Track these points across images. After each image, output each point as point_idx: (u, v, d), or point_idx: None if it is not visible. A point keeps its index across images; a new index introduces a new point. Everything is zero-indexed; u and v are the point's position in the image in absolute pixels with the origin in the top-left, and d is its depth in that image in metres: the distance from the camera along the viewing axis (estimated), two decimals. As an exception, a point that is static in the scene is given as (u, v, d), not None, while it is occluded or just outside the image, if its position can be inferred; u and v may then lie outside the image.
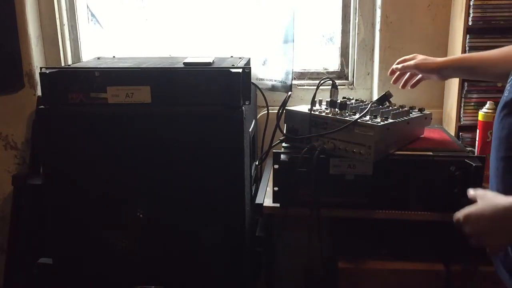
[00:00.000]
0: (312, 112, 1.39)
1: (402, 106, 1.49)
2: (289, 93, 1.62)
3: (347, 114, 1.37)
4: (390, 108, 1.47)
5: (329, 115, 1.36)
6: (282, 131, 1.46)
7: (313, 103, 1.43)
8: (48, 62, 1.97)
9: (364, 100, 1.57)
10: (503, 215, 0.93)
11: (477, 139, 1.49)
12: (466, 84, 1.63)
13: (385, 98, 1.47)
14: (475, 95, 1.63)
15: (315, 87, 1.46)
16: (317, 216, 1.36)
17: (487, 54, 1.33)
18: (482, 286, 1.42)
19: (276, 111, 1.49)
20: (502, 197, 0.97)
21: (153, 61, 1.54)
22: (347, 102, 1.42)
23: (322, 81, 1.49)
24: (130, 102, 1.34)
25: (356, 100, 1.58)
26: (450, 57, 1.54)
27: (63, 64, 1.96)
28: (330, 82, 1.49)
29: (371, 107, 1.37)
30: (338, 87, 1.52)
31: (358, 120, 1.30)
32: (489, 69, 1.32)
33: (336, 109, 1.40)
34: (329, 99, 1.47)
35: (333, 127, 1.34)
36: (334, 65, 1.98)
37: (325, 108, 1.44)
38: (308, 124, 1.39)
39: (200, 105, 1.34)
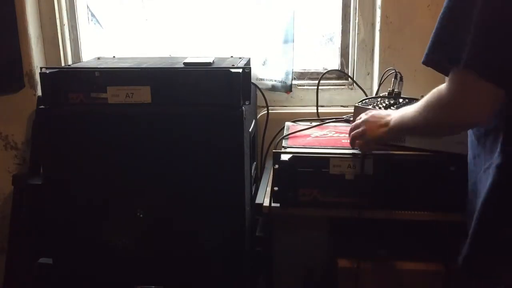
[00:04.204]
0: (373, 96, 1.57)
1: None
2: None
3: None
4: None
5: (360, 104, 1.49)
6: None
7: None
8: (48, 62, 1.97)
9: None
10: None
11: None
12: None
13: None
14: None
15: (315, 87, 1.46)
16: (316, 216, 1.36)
17: None
18: (482, 286, 1.42)
19: (276, 111, 1.48)
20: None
21: (153, 61, 1.54)
22: (387, 98, 1.52)
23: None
24: (130, 102, 1.34)
25: (402, 98, 1.55)
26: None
27: (63, 64, 1.96)
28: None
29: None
30: (337, 87, 1.52)
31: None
32: None
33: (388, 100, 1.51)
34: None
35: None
36: (334, 65, 1.98)
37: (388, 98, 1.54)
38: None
39: (200, 105, 1.34)
